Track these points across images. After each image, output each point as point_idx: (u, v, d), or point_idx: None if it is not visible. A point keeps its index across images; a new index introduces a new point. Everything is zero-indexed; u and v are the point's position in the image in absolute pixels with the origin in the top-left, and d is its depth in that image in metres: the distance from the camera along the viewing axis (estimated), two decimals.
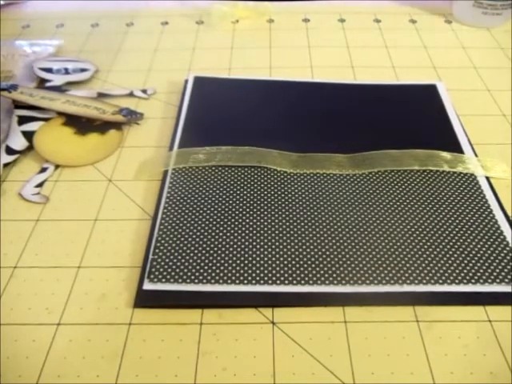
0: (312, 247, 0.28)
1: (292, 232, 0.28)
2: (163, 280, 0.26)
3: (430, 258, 0.27)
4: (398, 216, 0.30)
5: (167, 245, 0.28)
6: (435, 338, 0.24)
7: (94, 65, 0.44)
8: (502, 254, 0.27)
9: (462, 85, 0.42)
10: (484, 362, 0.23)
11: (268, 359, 0.23)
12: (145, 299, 0.26)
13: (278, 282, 0.26)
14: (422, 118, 0.37)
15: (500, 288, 0.26)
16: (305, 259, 0.27)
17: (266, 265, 0.27)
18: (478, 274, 0.26)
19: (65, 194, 0.32)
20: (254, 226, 0.29)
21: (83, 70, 0.43)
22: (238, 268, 0.27)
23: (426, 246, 0.28)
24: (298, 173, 0.33)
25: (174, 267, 0.27)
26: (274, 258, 0.27)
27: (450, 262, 0.27)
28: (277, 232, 0.29)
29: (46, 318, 0.25)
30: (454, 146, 0.34)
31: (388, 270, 0.26)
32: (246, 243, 0.28)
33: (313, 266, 0.27)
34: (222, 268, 0.27)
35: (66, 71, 0.43)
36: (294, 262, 0.27)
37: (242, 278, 0.26)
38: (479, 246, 0.28)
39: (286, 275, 0.26)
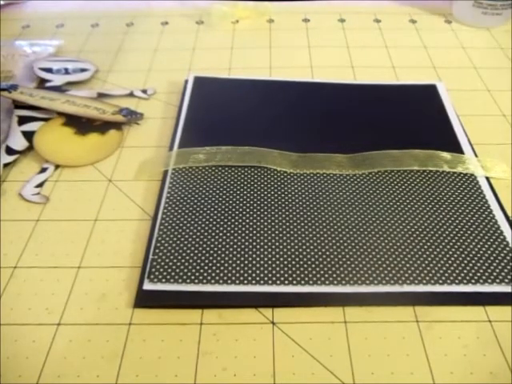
0: (312, 247, 0.28)
1: (292, 232, 0.28)
2: (163, 280, 0.26)
3: (430, 258, 0.27)
4: (397, 216, 0.30)
5: (167, 245, 0.28)
6: (435, 338, 0.24)
7: (94, 65, 0.44)
8: (502, 254, 0.27)
9: (462, 85, 0.42)
10: (484, 362, 0.23)
11: (268, 359, 0.23)
12: (145, 299, 0.26)
13: (278, 282, 0.26)
14: (422, 118, 0.37)
15: (500, 288, 0.26)
16: (305, 259, 0.27)
17: (265, 265, 0.27)
18: (478, 274, 0.26)
19: (65, 194, 0.32)
20: (254, 226, 0.29)
21: (83, 70, 0.43)
22: (237, 268, 0.27)
23: (426, 246, 0.28)
24: (298, 173, 0.33)
25: (174, 267, 0.27)
26: (273, 258, 0.27)
27: (450, 262, 0.27)
28: (277, 232, 0.29)
29: (45, 317, 0.25)
30: (454, 146, 0.34)
31: (388, 270, 0.26)
32: (246, 243, 0.28)
33: (313, 266, 0.27)
34: (221, 268, 0.27)
35: (66, 71, 0.43)
36: (293, 262, 0.27)
37: (241, 278, 0.26)
38: (479, 246, 0.28)
39: (285, 275, 0.26)
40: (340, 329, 0.25)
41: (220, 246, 0.28)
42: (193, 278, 0.26)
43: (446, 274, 0.26)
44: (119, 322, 0.25)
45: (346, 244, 0.28)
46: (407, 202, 0.30)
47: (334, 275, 0.26)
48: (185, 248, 0.28)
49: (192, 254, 0.27)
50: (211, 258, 0.27)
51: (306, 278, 0.26)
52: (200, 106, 0.39)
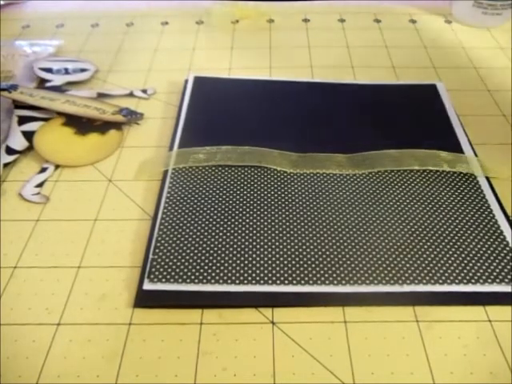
0: (312, 247, 0.28)
1: (292, 232, 0.28)
2: (163, 280, 0.26)
3: (429, 258, 0.27)
4: (397, 216, 0.30)
5: (167, 245, 0.28)
6: (435, 338, 0.24)
7: (94, 65, 0.44)
8: (502, 254, 0.27)
9: (462, 85, 0.42)
10: (484, 362, 0.23)
11: (268, 359, 0.23)
12: (145, 299, 0.26)
13: (278, 282, 0.26)
14: (422, 118, 0.37)
15: (500, 288, 0.26)
16: (305, 259, 0.27)
17: (265, 265, 0.27)
18: (478, 274, 0.26)
19: (65, 194, 0.32)
20: (254, 226, 0.29)
21: (83, 70, 0.43)
22: (238, 268, 0.27)
23: (426, 246, 0.28)
24: (298, 173, 0.33)
25: (174, 267, 0.27)
26: (273, 258, 0.27)
27: (449, 262, 0.27)
28: (277, 232, 0.28)
29: (46, 318, 0.25)
30: (454, 146, 0.34)
31: (388, 270, 0.26)
32: (246, 243, 0.28)
33: (313, 266, 0.27)
34: (222, 268, 0.27)
35: (66, 71, 0.43)
36: (293, 262, 0.27)
37: (241, 278, 0.26)
38: (479, 246, 0.28)
39: (285, 275, 0.26)
40: (340, 329, 0.25)
41: (220, 245, 0.28)
42: (193, 277, 0.26)
43: (446, 274, 0.26)
44: (119, 322, 0.25)
45: (345, 244, 0.28)
46: (407, 202, 0.30)
47: (334, 275, 0.26)
48: (185, 248, 0.28)
49: (192, 254, 0.27)
50: (211, 257, 0.27)
51: (306, 278, 0.26)
52: (200, 106, 0.39)
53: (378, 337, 0.24)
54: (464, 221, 0.29)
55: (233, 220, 0.29)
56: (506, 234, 0.28)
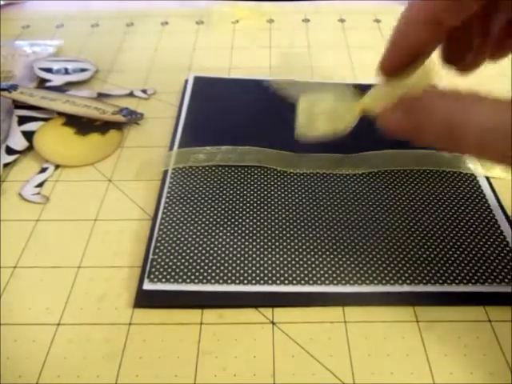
0: (312, 247, 0.28)
1: (292, 232, 0.28)
2: (163, 280, 0.26)
3: (429, 258, 0.27)
4: (397, 216, 0.30)
5: (167, 245, 0.28)
6: (435, 338, 0.24)
7: (94, 65, 0.44)
8: (502, 254, 0.27)
9: (461, 85, 0.41)
10: (484, 362, 0.23)
11: (268, 359, 0.23)
12: (145, 299, 0.26)
13: (278, 282, 0.26)
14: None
15: (500, 288, 0.26)
16: (305, 259, 0.27)
17: (265, 265, 0.27)
18: (478, 274, 0.26)
19: (65, 194, 0.32)
20: (254, 226, 0.29)
21: (83, 70, 0.43)
22: (237, 268, 0.27)
23: (425, 246, 0.28)
24: (298, 173, 0.33)
25: (173, 267, 0.27)
26: (273, 258, 0.27)
27: (449, 262, 0.27)
28: (277, 232, 0.28)
29: (45, 318, 0.25)
30: None
31: (388, 270, 0.26)
32: (246, 243, 0.28)
33: (313, 265, 0.27)
34: (222, 268, 0.27)
35: (66, 71, 0.43)
36: (293, 262, 0.27)
37: (241, 277, 0.26)
38: (479, 246, 0.28)
39: (285, 275, 0.26)
40: (340, 329, 0.25)
41: (220, 245, 0.28)
42: (193, 277, 0.26)
43: (446, 274, 0.26)
44: (119, 322, 0.25)
45: (345, 244, 0.28)
46: (407, 202, 0.30)
47: (334, 275, 0.26)
48: (185, 248, 0.28)
49: (192, 254, 0.27)
50: (211, 257, 0.27)
51: (306, 278, 0.26)
52: (200, 105, 0.39)
53: (377, 337, 0.24)
54: (464, 221, 0.29)
55: (233, 220, 0.29)
56: (505, 234, 0.28)
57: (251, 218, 0.29)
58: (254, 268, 0.27)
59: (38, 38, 0.48)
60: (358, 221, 0.29)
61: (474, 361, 0.23)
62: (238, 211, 0.30)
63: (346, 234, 0.28)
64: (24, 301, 0.26)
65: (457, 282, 0.26)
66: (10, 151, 0.34)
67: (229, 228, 0.29)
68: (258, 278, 0.26)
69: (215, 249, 0.28)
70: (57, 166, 0.34)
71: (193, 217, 0.29)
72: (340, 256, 0.27)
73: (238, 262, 0.27)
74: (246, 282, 0.26)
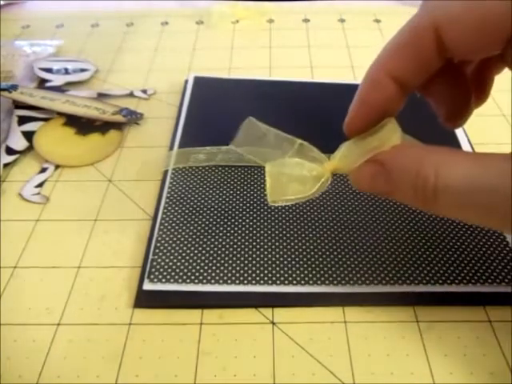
0: (312, 247, 0.28)
1: (292, 232, 0.28)
2: (163, 280, 0.26)
3: (430, 258, 0.27)
4: (397, 216, 0.30)
5: (167, 245, 0.28)
6: (435, 338, 0.24)
7: (94, 65, 0.44)
8: (502, 254, 0.27)
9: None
10: (484, 362, 0.23)
11: (268, 359, 0.23)
12: (145, 299, 0.26)
13: (278, 282, 0.26)
14: (422, 118, 0.37)
15: (500, 288, 0.26)
16: (305, 259, 0.27)
17: (265, 265, 0.27)
18: (478, 275, 0.26)
19: (65, 194, 0.32)
20: (254, 226, 0.29)
21: (83, 70, 0.43)
22: (237, 268, 0.27)
23: (425, 246, 0.28)
24: None
25: (174, 267, 0.27)
26: (273, 258, 0.27)
27: (449, 262, 0.27)
28: (277, 232, 0.28)
29: (45, 318, 0.25)
30: (454, 146, 0.34)
31: (388, 270, 0.26)
32: (246, 243, 0.28)
33: (313, 266, 0.27)
34: (221, 268, 0.27)
35: (66, 71, 0.43)
36: (293, 262, 0.27)
37: (241, 278, 0.26)
38: (479, 246, 0.28)
39: (285, 275, 0.26)
40: (340, 329, 0.25)
41: (220, 245, 0.28)
42: (193, 278, 0.26)
43: (446, 274, 0.26)
44: (119, 322, 0.25)
45: (345, 244, 0.28)
46: None
47: (334, 275, 0.26)
48: (185, 248, 0.28)
49: (192, 254, 0.27)
50: (211, 258, 0.27)
51: (306, 278, 0.26)
52: (200, 105, 0.39)
53: (377, 337, 0.24)
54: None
55: (233, 220, 0.29)
56: (505, 234, 0.28)
57: (251, 217, 0.29)
58: (253, 268, 0.27)
59: (38, 38, 0.48)
60: (358, 221, 0.29)
61: (474, 361, 0.23)
62: (237, 211, 0.30)
63: (346, 234, 0.28)
64: (24, 301, 0.26)
65: (457, 282, 0.26)
66: (9, 151, 0.34)
67: (229, 228, 0.29)
68: (257, 278, 0.26)
69: (215, 249, 0.28)
70: (57, 166, 0.34)
71: (193, 217, 0.29)
72: (340, 256, 0.27)
73: (238, 262, 0.27)
74: (246, 282, 0.26)
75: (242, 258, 0.27)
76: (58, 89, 0.41)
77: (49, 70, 0.43)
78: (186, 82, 0.41)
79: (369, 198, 0.31)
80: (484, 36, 0.18)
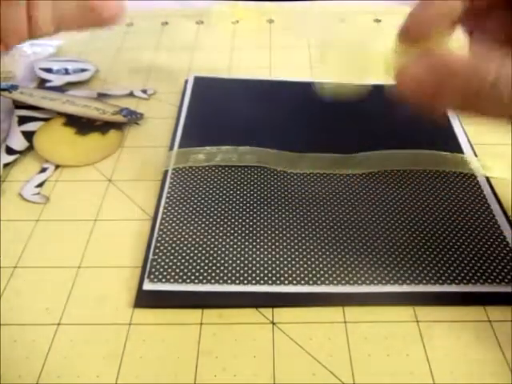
0: (312, 247, 0.28)
1: (292, 232, 0.28)
2: (163, 280, 0.26)
3: (429, 258, 0.27)
4: (397, 216, 0.30)
5: (167, 245, 0.28)
6: (435, 338, 0.24)
7: (94, 65, 0.44)
8: (502, 254, 0.27)
9: None
10: (484, 362, 0.23)
11: (268, 359, 0.23)
12: (145, 299, 0.26)
13: (278, 282, 0.26)
14: (422, 118, 0.37)
15: (500, 288, 0.26)
16: (305, 259, 0.27)
17: (265, 265, 0.27)
18: (478, 274, 0.26)
19: (65, 194, 0.32)
20: (254, 226, 0.29)
21: (83, 70, 0.43)
22: (237, 268, 0.27)
23: (426, 246, 0.28)
24: (298, 173, 0.33)
25: (174, 267, 0.27)
26: (273, 258, 0.27)
27: (450, 262, 0.27)
28: (277, 232, 0.28)
29: (45, 318, 0.25)
30: (454, 146, 0.34)
31: (388, 270, 0.26)
32: (246, 243, 0.28)
33: (313, 266, 0.27)
34: (222, 268, 0.27)
35: (66, 71, 0.43)
36: (293, 262, 0.27)
37: (241, 278, 0.26)
38: (479, 246, 0.28)
39: (285, 275, 0.26)
40: (340, 329, 0.25)
41: (220, 245, 0.28)
42: (193, 278, 0.26)
43: (446, 274, 0.26)
44: (119, 322, 0.25)
45: (345, 244, 0.28)
46: (407, 202, 0.30)
47: (334, 275, 0.26)
48: (185, 248, 0.28)
49: (192, 254, 0.27)
50: (211, 258, 0.27)
51: (306, 278, 0.26)
52: (200, 105, 0.39)
53: (377, 337, 0.24)
54: (464, 221, 0.29)
55: (233, 220, 0.29)
56: (506, 234, 0.28)
57: (251, 218, 0.29)
58: (253, 268, 0.27)
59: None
60: (357, 221, 0.29)
61: (474, 361, 0.23)
62: (237, 211, 0.30)
63: (346, 234, 0.28)
64: (24, 301, 0.26)
65: (457, 282, 0.26)
66: (9, 151, 0.34)
67: (229, 228, 0.29)
68: (257, 278, 0.26)
69: (215, 249, 0.28)
70: (57, 166, 0.34)
71: (193, 217, 0.29)
72: (340, 256, 0.27)
73: (238, 262, 0.27)
74: (245, 282, 0.26)
75: (242, 258, 0.27)
76: (58, 89, 0.41)
77: (49, 70, 0.43)
78: (186, 82, 0.41)
79: (369, 198, 0.31)
80: None
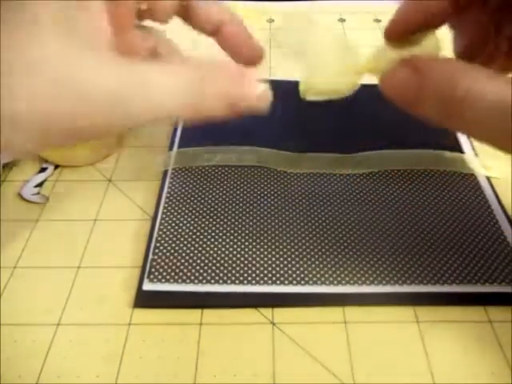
0: (312, 247, 0.28)
1: (292, 232, 0.28)
2: (163, 280, 0.26)
3: (430, 259, 0.27)
4: (397, 216, 0.30)
5: (167, 245, 0.28)
6: (435, 338, 0.24)
7: None
8: (503, 255, 0.27)
9: None
10: (484, 362, 0.23)
11: (268, 359, 0.23)
12: (145, 299, 0.26)
13: (278, 282, 0.26)
14: (422, 118, 0.37)
15: (500, 288, 0.26)
16: (305, 259, 0.27)
17: (265, 265, 0.27)
18: (479, 275, 0.26)
19: (65, 194, 0.32)
20: (254, 226, 0.29)
21: None
22: (237, 268, 0.27)
23: (426, 246, 0.28)
24: (298, 172, 0.32)
25: (173, 267, 0.26)
26: (273, 258, 0.27)
27: (450, 262, 0.27)
28: (277, 232, 0.28)
29: (45, 318, 0.25)
30: (455, 146, 0.34)
31: (388, 270, 0.26)
32: (246, 243, 0.28)
33: (313, 266, 0.27)
34: (221, 268, 0.27)
35: None
36: (293, 262, 0.27)
37: (241, 278, 0.26)
38: (479, 247, 0.28)
39: (285, 275, 0.26)
40: (340, 329, 0.25)
41: (220, 245, 0.28)
42: (193, 278, 0.26)
43: (447, 275, 0.26)
44: (119, 322, 0.25)
45: (345, 244, 0.28)
46: (407, 202, 0.30)
47: (334, 275, 0.26)
48: (185, 248, 0.28)
49: (192, 254, 0.27)
50: (211, 257, 0.27)
51: (306, 278, 0.26)
52: None
53: (377, 337, 0.24)
54: (464, 221, 0.29)
55: (232, 220, 0.29)
56: (506, 234, 0.28)
57: (251, 217, 0.29)
58: (253, 268, 0.27)
59: None
60: (357, 221, 0.29)
61: (474, 361, 0.23)
62: (237, 211, 0.30)
63: (346, 234, 0.28)
64: (24, 301, 0.26)
65: (457, 282, 0.26)
66: None
67: (229, 228, 0.29)
68: (257, 278, 0.26)
69: (215, 249, 0.28)
70: (56, 166, 0.34)
71: (193, 217, 0.29)
72: (340, 256, 0.27)
73: (238, 262, 0.27)
74: (245, 282, 0.26)
75: (242, 258, 0.27)
76: None
77: None
78: None
79: (369, 198, 0.31)
80: None
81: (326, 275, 0.26)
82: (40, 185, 0.33)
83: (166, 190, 0.31)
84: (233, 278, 0.26)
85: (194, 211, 0.30)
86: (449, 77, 0.18)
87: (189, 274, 0.26)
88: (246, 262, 0.27)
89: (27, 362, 0.23)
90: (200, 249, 0.28)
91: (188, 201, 0.30)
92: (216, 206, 0.30)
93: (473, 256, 0.27)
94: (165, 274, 0.26)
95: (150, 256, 0.27)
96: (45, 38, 0.16)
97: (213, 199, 0.31)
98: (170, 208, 0.30)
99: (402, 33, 0.21)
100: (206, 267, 0.27)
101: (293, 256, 0.27)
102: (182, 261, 0.27)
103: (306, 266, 0.27)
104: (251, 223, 0.29)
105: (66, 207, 0.31)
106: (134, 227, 0.30)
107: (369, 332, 0.24)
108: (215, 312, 0.25)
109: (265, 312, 0.25)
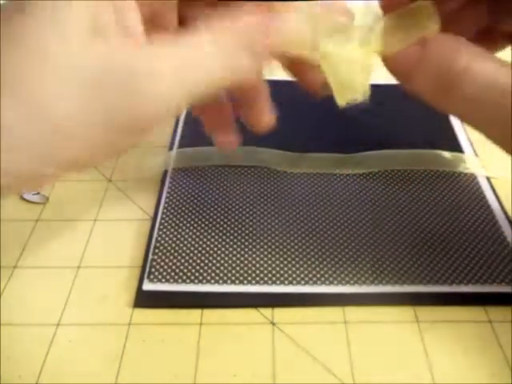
0: (312, 247, 0.28)
1: (292, 232, 0.28)
2: (163, 280, 0.26)
3: (430, 258, 0.27)
4: (398, 216, 0.30)
5: (167, 245, 0.28)
6: (435, 338, 0.24)
7: None
8: (503, 255, 0.27)
9: None
10: (484, 362, 0.23)
11: (268, 359, 0.23)
12: (145, 299, 0.26)
13: (278, 282, 0.26)
14: (422, 118, 0.37)
15: (500, 288, 0.26)
16: (304, 259, 0.27)
17: (265, 265, 0.27)
18: (479, 275, 0.26)
19: (65, 194, 0.32)
20: (254, 226, 0.29)
21: None
22: (237, 268, 0.27)
23: (426, 246, 0.28)
24: (298, 172, 0.33)
25: (173, 267, 0.27)
26: (273, 258, 0.27)
27: (450, 262, 0.27)
28: (277, 232, 0.28)
29: (46, 318, 0.25)
30: (454, 146, 0.34)
31: (388, 270, 0.26)
32: (246, 243, 0.28)
33: (313, 265, 0.27)
34: (221, 268, 0.27)
35: None
36: (293, 262, 0.27)
37: (241, 278, 0.26)
38: (479, 247, 0.28)
39: (285, 275, 0.26)
40: (340, 329, 0.25)
41: (220, 245, 0.28)
42: (193, 278, 0.26)
43: (447, 274, 0.26)
44: (119, 322, 0.25)
45: (346, 244, 0.28)
46: (407, 202, 0.30)
47: (334, 275, 0.26)
48: (185, 248, 0.28)
49: (192, 254, 0.27)
50: (211, 258, 0.27)
51: (306, 278, 0.26)
52: None
53: (377, 337, 0.24)
54: (464, 221, 0.29)
55: (233, 220, 0.29)
56: (506, 234, 0.28)
57: (251, 217, 0.29)
58: (253, 268, 0.27)
59: None
60: (357, 221, 0.29)
61: (474, 361, 0.23)
62: (237, 211, 0.30)
63: (346, 234, 0.28)
64: (24, 301, 0.26)
65: (457, 282, 0.26)
66: None
67: (229, 228, 0.29)
68: (257, 278, 0.26)
69: (215, 249, 0.28)
70: None
71: (192, 217, 0.29)
72: (340, 256, 0.27)
73: (238, 262, 0.27)
74: (245, 282, 0.26)
75: (242, 258, 0.27)
76: None
77: None
78: None
79: (369, 198, 0.31)
80: None
81: (326, 275, 0.26)
82: None
83: (165, 189, 0.31)
84: (233, 278, 0.26)
85: (193, 211, 0.30)
86: (450, 50, 0.18)
87: (189, 273, 0.26)
88: (245, 261, 0.27)
89: (27, 362, 0.23)
90: (200, 249, 0.28)
91: (188, 201, 0.31)
92: (216, 206, 0.30)
93: (473, 256, 0.27)
94: (165, 273, 0.26)
95: (150, 256, 0.27)
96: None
97: (213, 199, 0.31)
98: (169, 208, 0.30)
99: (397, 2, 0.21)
100: (206, 267, 0.27)
101: (293, 256, 0.27)
102: (182, 261, 0.27)
103: (305, 266, 0.27)
104: (251, 223, 0.29)
105: (66, 207, 0.31)
106: (134, 227, 0.30)
107: (369, 332, 0.24)
108: (215, 312, 0.25)
109: (265, 312, 0.25)
